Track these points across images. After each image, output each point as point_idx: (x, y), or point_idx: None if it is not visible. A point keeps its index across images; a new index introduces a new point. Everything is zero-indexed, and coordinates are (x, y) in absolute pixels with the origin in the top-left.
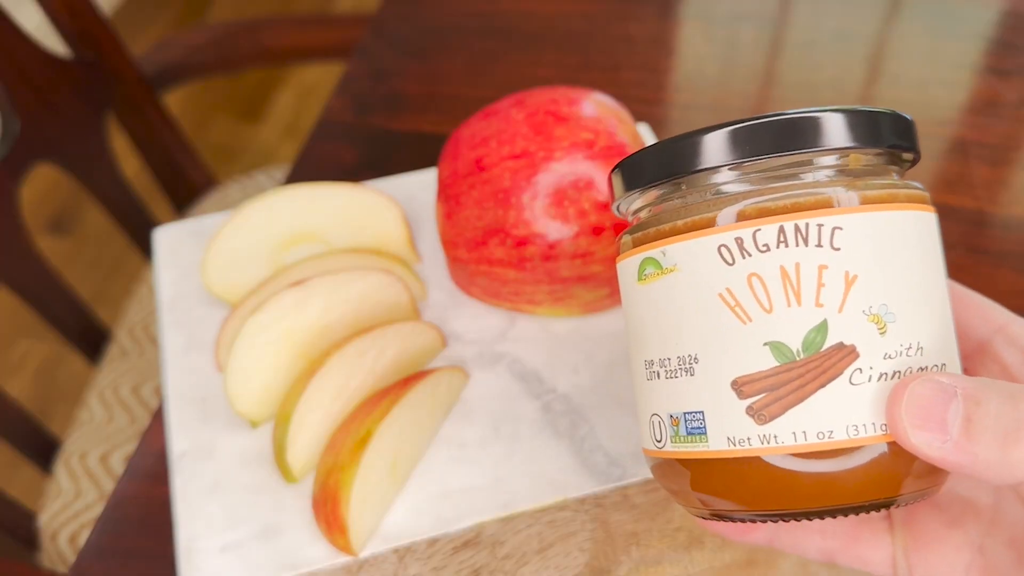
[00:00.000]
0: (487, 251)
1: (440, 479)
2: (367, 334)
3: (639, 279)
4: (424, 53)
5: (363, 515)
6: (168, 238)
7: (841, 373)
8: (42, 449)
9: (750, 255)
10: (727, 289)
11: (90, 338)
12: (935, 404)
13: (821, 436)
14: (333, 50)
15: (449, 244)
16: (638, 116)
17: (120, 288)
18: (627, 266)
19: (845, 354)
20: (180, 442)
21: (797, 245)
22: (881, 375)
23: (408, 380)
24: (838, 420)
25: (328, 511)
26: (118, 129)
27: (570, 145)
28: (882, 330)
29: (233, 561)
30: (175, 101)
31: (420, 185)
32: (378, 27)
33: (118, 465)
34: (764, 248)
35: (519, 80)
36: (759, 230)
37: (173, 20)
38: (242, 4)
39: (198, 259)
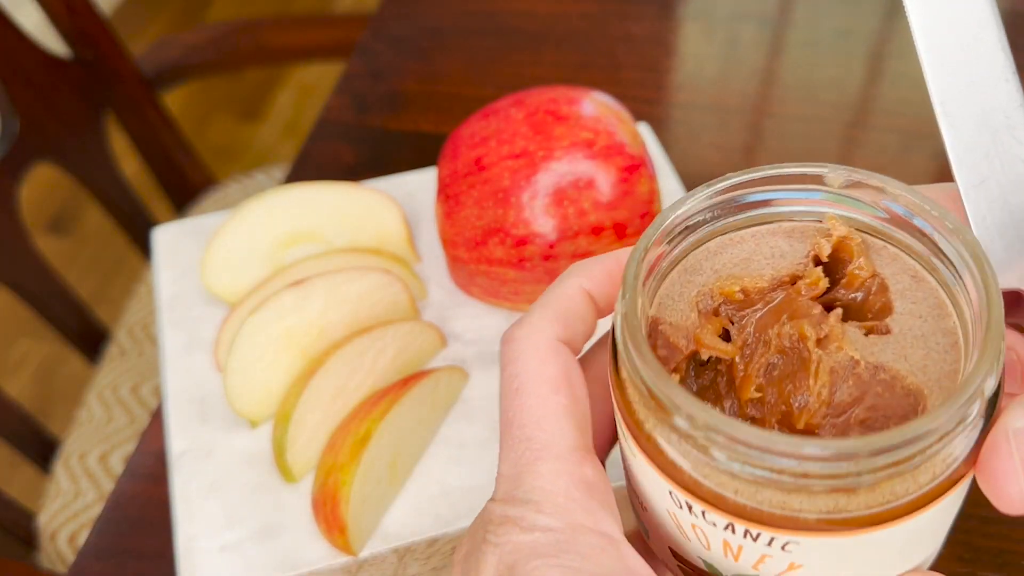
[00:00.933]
0: (487, 251)
1: (440, 479)
2: (367, 334)
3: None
4: (424, 53)
5: (362, 515)
6: (167, 238)
7: None
8: (41, 449)
9: (696, 517)
10: (673, 514)
11: (89, 338)
12: None
13: None
14: (333, 50)
15: (449, 243)
16: (638, 116)
17: (119, 288)
18: (612, 391)
19: None
20: (179, 442)
21: (744, 538)
22: None
23: (408, 380)
24: None
25: (328, 511)
26: (117, 129)
27: (570, 144)
28: None
29: (232, 561)
30: (174, 101)
31: (420, 185)
32: (378, 27)
33: (117, 465)
34: (711, 523)
35: (519, 79)
36: (707, 512)
37: (172, 20)
38: (241, 3)
39: (197, 259)
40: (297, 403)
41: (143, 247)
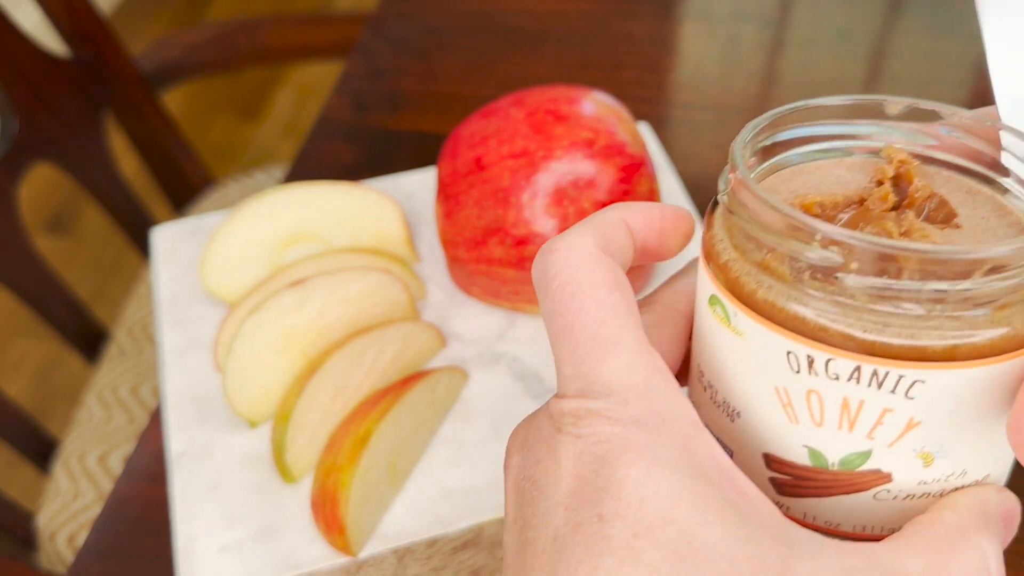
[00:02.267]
0: (487, 250)
1: (439, 479)
2: (366, 334)
3: (708, 303)
4: (423, 52)
5: (362, 515)
6: (167, 237)
7: (867, 490)
8: (40, 449)
9: (816, 375)
10: (784, 389)
11: (88, 338)
12: None
13: (828, 524)
14: (332, 49)
15: (448, 243)
16: (638, 115)
17: (118, 288)
18: (700, 273)
19: (878, 478)
20: (179, 442)
21: (868, 387)
22: (908, 496)
23: (407, 380)
24: (848, 520)
25: (327, 511)
26: (116, 128)
27: (570, 144)
28: (927, 464)
29: (232, 561)
30: (174, 100)
31: (419, 184)
32: (377, 26)
33: (116, 465)
34: (833, 377)
35: (519, 79)
36: (833, 360)
37: (172, 19)
38: (241, 3)
39: (197, 258)
40: (296, 403)
41: (142, 247)
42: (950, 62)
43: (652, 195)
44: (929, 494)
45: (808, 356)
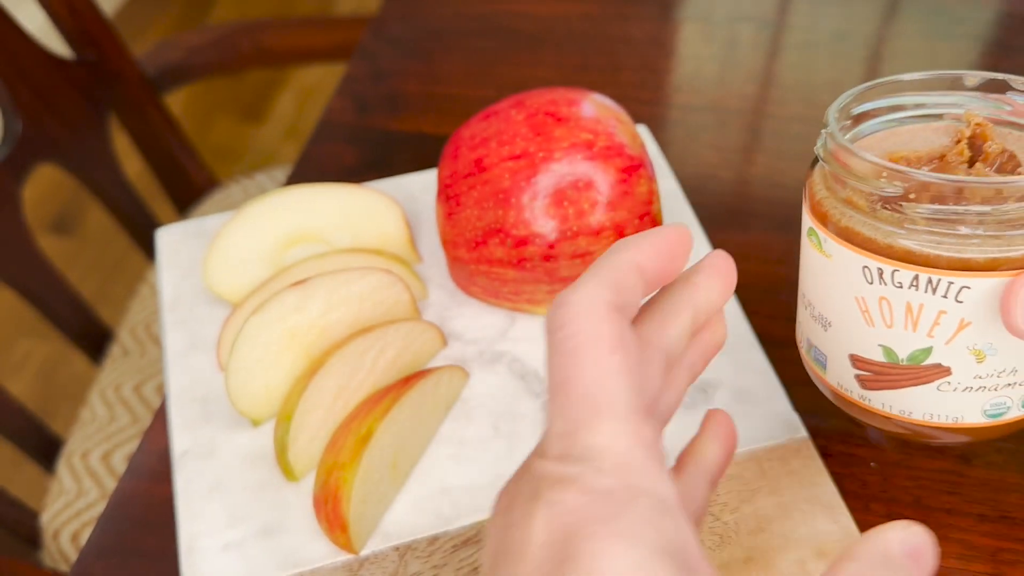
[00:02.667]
0: (487, 251)
1: (440, 477)
2: (368, 333)
3: (808, 235)
4: (424, 54)
5: (364, 513)
6: (170, 238)
7: (931, 382)
8: (44, 448)
9: (885, 284)
10: (862, 298)
11: (92, 338)
12: None
13: (903, 412)
14: (334, 51)
15: (449, 244)
16: (637, 117)
17: (122, 288)
18: (804, 212)
19: (940, 372)
20: (182, 441)
21: (926, 292)
22: (966, 388)
23: (408, 379)
24: (919, 408)
25: (329, 509)
26: (120, 130)
27: (570, 146)
28: (980, 360)
29: (234, 559)
30: (176, 102)
31: (420, 185)
32: (378, 28)
33: (120, 464)
34: (898, 285)
35: (519, 81)
36: (897, 271)
37: (174, 21)
38: (243, 5)
39: (200, 259)
40: (299, 402)
41: (145, 247)
42: (947, 64)
43: (651, 196)
44: (984, 388)
45: (879, 268)
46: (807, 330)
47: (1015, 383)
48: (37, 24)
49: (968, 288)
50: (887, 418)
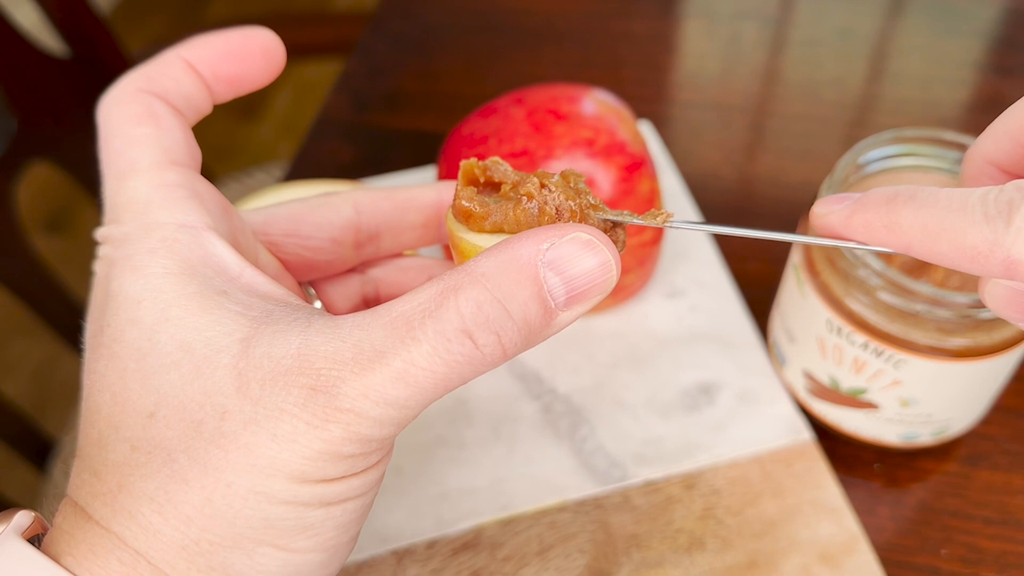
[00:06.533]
0: None
1: (439, 480)
2: None
3: (793, 268)
4: (423, 50)
5: None
6: None
7: (862, 410)
8: (38, 449)
9: (841, 338)
10: (821, 338)
11: None
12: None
13: (836, 421)
14: (331, 48)
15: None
16: (639, 114)
17: None
18: (793, 247)
19: (871, 405)
20: None
21: (872, 354)
22: (888, 420)
23: None
24: (849, 423)
25: None
26: None
27: (570, 143)
28: (904, 406)
29: None
30: None
31: (419, 183)
32: (377, 24)
33: None
34: (851, 342)
35: (519, 78)
36: (853, 333)
37: (170, 18)
38: (240, 2)
39: None
40: None
41: None
42: (952, 61)
43: (653, 194)
44: (903, 422)
45: (839, 327)
46: (777, 329)
47: (929, 421)
48: (32, 21)
49: (906, 362)
50: (822, 421)
